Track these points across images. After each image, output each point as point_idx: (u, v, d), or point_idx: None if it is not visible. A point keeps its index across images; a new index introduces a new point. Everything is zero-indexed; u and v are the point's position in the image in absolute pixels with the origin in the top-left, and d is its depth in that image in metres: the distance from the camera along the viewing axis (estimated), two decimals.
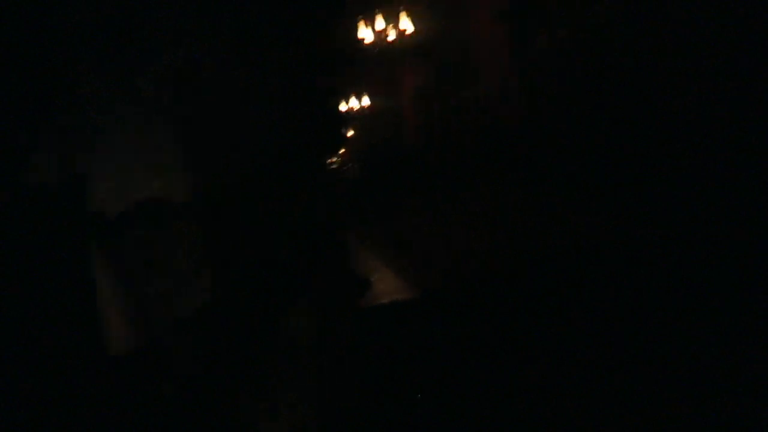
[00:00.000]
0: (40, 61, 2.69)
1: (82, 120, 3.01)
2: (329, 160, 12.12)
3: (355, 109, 11.45)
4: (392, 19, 6.64)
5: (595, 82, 4.51)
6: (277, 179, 3.55)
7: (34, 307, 2.33)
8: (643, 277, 3.75)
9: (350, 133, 14.70)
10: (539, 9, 5.24)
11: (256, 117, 3.53)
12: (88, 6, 2.84)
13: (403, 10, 6.57)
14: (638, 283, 3.72)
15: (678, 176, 3.72)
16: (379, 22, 6.54)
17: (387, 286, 5.47)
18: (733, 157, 3.30)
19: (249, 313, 2.63)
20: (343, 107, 11.19)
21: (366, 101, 11.37)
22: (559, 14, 4.95)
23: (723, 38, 3.20)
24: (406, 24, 6.57)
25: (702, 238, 3.55)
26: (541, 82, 5.57)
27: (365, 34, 6.60)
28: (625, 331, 3.23)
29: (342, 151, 14.03)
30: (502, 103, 6.41)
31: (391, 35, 6.69)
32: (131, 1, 2.99)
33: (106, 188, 2.94)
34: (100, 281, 2.59)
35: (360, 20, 6.67)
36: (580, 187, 4.92)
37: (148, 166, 3.12)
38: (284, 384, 2.80)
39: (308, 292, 3.00)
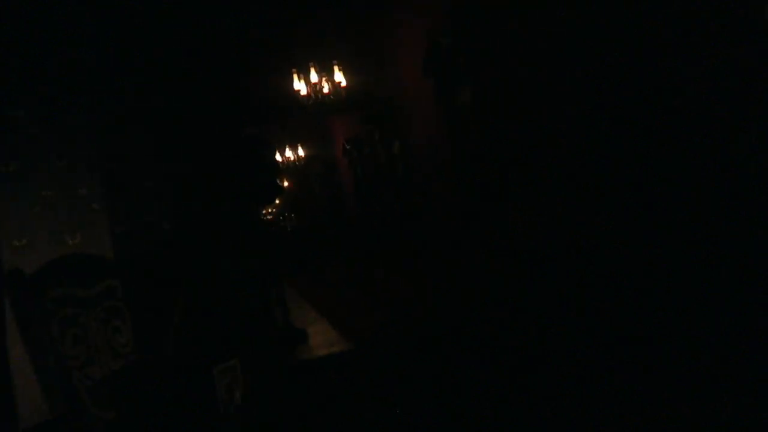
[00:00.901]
0: None
1: None
2: (264, 211, 11.99)
3: (290, 160, 11.47)
4: (326, 72, 6.78)
5: (513, 132, 4.75)
6: (209, 232, 3.47)
7: None
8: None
9: (285, 184, 14.67)
10: (459, 68, 5.51)
11: (186, 168, 3.47)
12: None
13: (336, 63, 6.73)
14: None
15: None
16: (313, 75, 6.66)
17: (324, 338, 5.39)
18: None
19: (174, 373, 2.50)
20: (278, 158, 11.21)
21: (300, 152, 11.42)
22: (477, 73, 5.23)
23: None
24: (340, 77, 6.72)
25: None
26: (464, 134, 5.81)
27: (300, 86, 6.69)
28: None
29: (277, 201, 13.94)
30: (430, 153, 6.62)
31: (326, 87, 6.81)
32: (60, 52, 2.92)
33: (20, 243, 2.79)
34: (13, 345, 2.41)
35: (294, 73, 6.76)
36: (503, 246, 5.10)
37: (68, 220, 2.99)
38: None
39: (238, 348, 2.90)
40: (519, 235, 4.97)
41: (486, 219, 5.52)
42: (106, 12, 2.95)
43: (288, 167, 11.75)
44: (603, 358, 3.22)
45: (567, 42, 3.94)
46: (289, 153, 11.48)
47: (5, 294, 2.50)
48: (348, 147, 10.45)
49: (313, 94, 6.79)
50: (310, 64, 6.60)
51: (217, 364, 2.69)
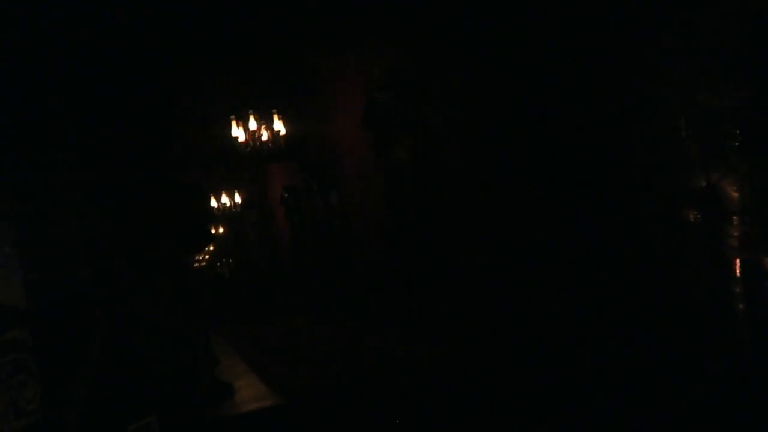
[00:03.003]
0: None
1: None
2: (196, 258, 11.60)
3: (225, 206, 11.25)
4: (265, 120, 6.77)
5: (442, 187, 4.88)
6: (130, 280, 3.30)
7: None
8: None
9: (221, 230, 14.33)
10: (395, 123, 5.64)
11: (109, 214, 3.32)
12: None
13: (275, 112, 6.74)
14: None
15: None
16: (252, 123, 6.63)
17: (252, 392, 5.17)
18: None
19: (86, 427, 2.31)
20: (213, 204, 10.96)
21: (237, 198, 11.24)
22: (413, 129, 5.38)
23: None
24: (279, 125, 6.72)
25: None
26: (399, 188, 5.90)
27: (238, 133, 6.63)
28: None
29: (210, 248, 13.54)
30: (367, 205, 6.67)
31: (264, 135, 6.78)
32: None
33: None
34: None
35: (233, 120, 6.72)
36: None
37: None
38: None
39: (157, 404, 2.73)
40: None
41: (415, 274, 5.58)
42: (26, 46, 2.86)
43: (223, 214, 11.50)
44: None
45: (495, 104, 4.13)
46: (225, 199, 11.27)
47: None
48: (286, 195, 10.38)
49: (251, 142, 6.74)
50: (249, 111, 6.58)
51: (131, 422, 2.51)
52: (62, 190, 2.91)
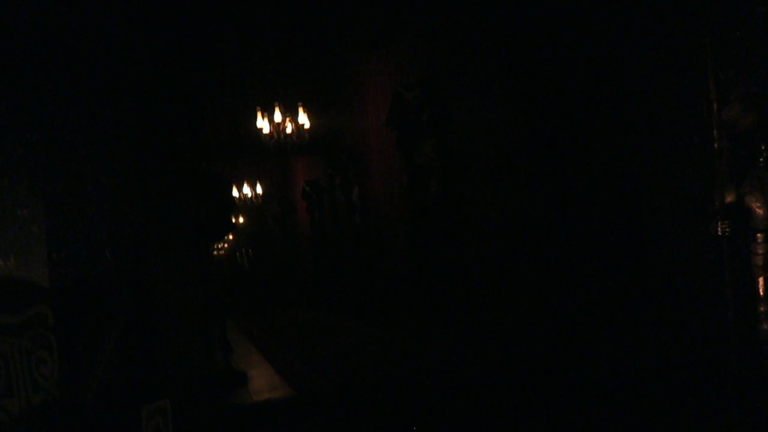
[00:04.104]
0: None
1: None
2: (216, 246, 11.73)
3: (247, 197, 11.35)
4: (291, 113, 6.82)
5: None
6: (153, 264, 3.36)
7: None
8: None
9: (241, 220, 14.47)
10: (422, 122, 5.62)
11: (135, 198, 3.38)
12: None
13: (301, 105, 6.78)
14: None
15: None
16: (277, 115, 6.68)
17: (265, 382, 5.21)
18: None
19: (99, 411, 2.36)
20: (235, 194, 11.07)
21: (259, 189, 11.33)
22: (440, 129, 5.35)
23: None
24: (303, 119, 6.76)
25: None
26: (423, 187, 5.88)
27: (263, 124, 6.69)
28: None
29: (230, 237, 13.68)
30: (389, 203, 6.67)
31: (289, 128, 6.83)
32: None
33: None
34: None
35: (258, 111, 6.77)
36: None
37: (2, 242, 2.85)
38: None
39: (172, 388, 2.77)
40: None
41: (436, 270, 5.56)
42: (60, 31, 2.91)
43: (245, 204, 11.61)
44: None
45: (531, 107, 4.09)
46: (247, 190, 11.37)
47: None
48: (308, 189, 10.44)
49: (275, 134, 6.79)
50: (275, 103, 6.63)
51: (146, 403, 2.55)
52: (92, 172, 2.96)
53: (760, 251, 2.24)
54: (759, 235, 2.24)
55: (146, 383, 2.62)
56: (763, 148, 2.17)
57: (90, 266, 3.06)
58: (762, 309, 2.28)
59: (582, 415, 3.01)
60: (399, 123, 6.09)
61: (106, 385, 2.42)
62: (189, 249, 3.55)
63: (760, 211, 2.22)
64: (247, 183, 11.35)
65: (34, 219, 2.91)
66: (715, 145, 2.29)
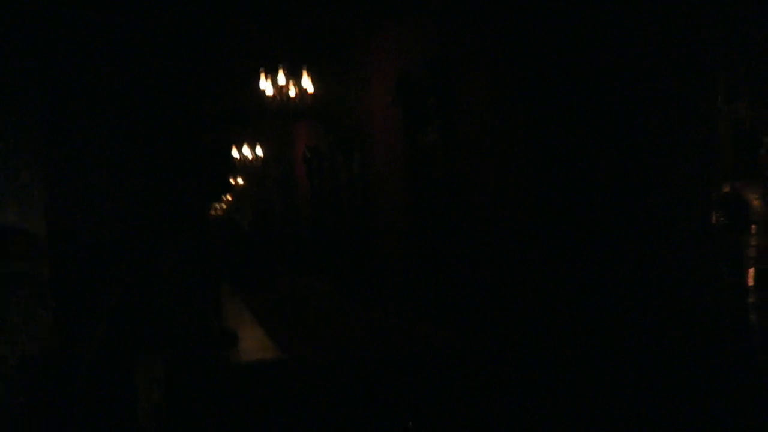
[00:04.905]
0: None
1: None
2: (213, 205, 11.69)
3: (247, 158, 11.29)
4: (294, 76, 6.73)
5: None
6: (150, 221, 3.37)
7: None
8: None
9: (240, 181, 14.40)
10: (428, 104, 5.52)
11: (132, 155, 3.37)
12: None
13: (305, 69, 6.69)
14: None
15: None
16: (281, 77, 6.59)
17: (256, 344, 5.29)
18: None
19: (92, 365, 2.39)
20: (234, 154, 11.00)
21: (259, 152, 11.26)
22: (446, 111, 5.25)
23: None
24: (307, 83, 6.67)
25: None
26: (426, 167, 5.81)
27: (266, 86, 6.61)
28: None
29: (228, 198, 13.64)
30: (389, 179, 6.62)
31: (292, 91, 6.75)
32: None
33: None
34: None
35: (262, 72, 6.68)
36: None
37: (6, 193, 2.86)
38: None
39: (164, 346, 2.81)
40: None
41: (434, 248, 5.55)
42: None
43: (245, 166, 11.56)
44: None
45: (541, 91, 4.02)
46: (247, 151, 11.30)
47: None
48: (308, 155, 10.38)
49: (278, 96, 6.72)
50: (279, 65, 6.54)
51: (139, 358, 2.59)
52: (95, 137, 2.96)
53: (753, 243, 2.26)
54: (753, 226, 2.25)
55: (139, 339, 2.65)
56: (766, 141, 2.17)
57: (89, 225, 3.07)
58: (752, 300, 2.30)
59: (573, 406, 3.05)
60: (404, 102, 5.99)
61: (104, 341, 2.45)
62: (187, 209, 3.56)
63: (756, 203, 2.23)
64: (248, 144, 11.28)
65: (36, 172, 2.91)
66: (720, 138, 2.30)
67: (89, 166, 3.15)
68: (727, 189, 2.28)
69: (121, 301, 2.62)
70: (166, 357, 2.55)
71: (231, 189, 10.95)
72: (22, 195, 2.92)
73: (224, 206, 14.24)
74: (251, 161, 11.42)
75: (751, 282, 2.29)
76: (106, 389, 2.39)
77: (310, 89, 6.77)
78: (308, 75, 6.67)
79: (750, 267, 2.28)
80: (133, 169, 3.20)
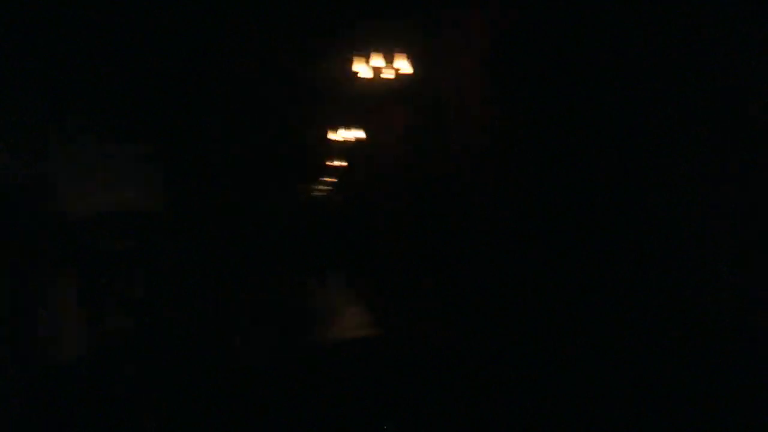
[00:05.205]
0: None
1: (52, 117, 3.01)
2: (312, 187, 12.14)
3: (344, 140, 11.52)
4: (389, 58, 6.76)
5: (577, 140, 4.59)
6: (254, 202, 3.54)
7: None
8: None
9: (338, 164, 14.74)
10: (522, 65, 5.35)
11: (239, 139, 3.54)
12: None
13: (401, 51, 6.70)
14: None
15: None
16: (376, 60, 6.65)
17: (355, 321, 5.42)
18: None
19: (205, 335, 2.58)
20: (333, 137, 11.26)
21: (358, 134, 11.45)
22: (544, 80, 5.05)
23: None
24: (402, 64, 6.68)
25: None
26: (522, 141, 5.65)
27: (360, 69, 6.70)
28: None
29: (327, 179, 14.03)
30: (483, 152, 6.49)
31: (387, 74, 6.79)
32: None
33: (74, 192, 2.92)
34: (59, 287, 2.54)
35: (357, 56, 6.78)
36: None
37: (123, 174, 3.10)
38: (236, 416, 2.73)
39: (270, 321, 2.96)
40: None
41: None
42: None
43: (343, 148, 11.79)
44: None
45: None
46: (344, 133, 11.51)
47: (52, 239, 2.63)
48: (404, 135, 10.40)
49: (373, 78, 6.79)
50: (373, 48, 6.59)
51: (238, 334, 2.75)
52: (200, 117, 3.13)
53: None
54: None
55: (238, 316, 2.81)
56: None
57: (197, 204, 3.28)
58: None
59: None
60: (499, 72, 5.85)
61: (202, 316, 2.63)
62: (286, 191, 3.70)
63: None
64: (345, 127, 11.48)
65: (150, 159, 3.15)
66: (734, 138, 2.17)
67: (203, 153, 3.35)
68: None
69: (219, 279, 2.79)
70: (264, 333, 2.69)
71: (333, 169, 11.19)
72: (140, 177, 3.15)
73: (324, 188, 14.63)
74: (350, 143, 11.62)
75: None
76: (204, 357, 2.57)
77: (406, 70, 6.77)
78: (403, 56, 6.68)
79: None
80: (240, 152, 3.36)
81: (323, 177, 13.54)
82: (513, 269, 5.05)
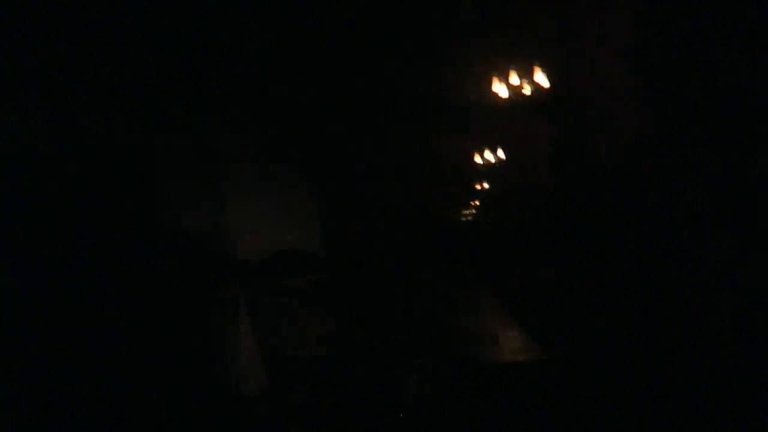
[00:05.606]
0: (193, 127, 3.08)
1: (235, 177, 3.36)
2: (462, 212, 12.20)
3: (489, 162, 11.43)
4: (527, 73, 6.65)
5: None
6: (409, 234, 3.66)
7: (172, 340, 2.60)
8: None
9: (486, 186, 14.65)
10: (674, 64, 4.96)
11: (389, 173, 3.70)
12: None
13: (538, 65, 6.56)
14: None
15: None
16: (514, 78, 6.58)
17: (516, 344, 5.29)
18: None
19: (368, 364, 2.70)
20: (478, 160, 11.22)
21: (500, 154, 11.31)
22: (700, 67, 4.64)
23: None
24: (541, 78, 6.53)
25: None
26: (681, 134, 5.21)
27: (499, 89, 6.66)
28: None
29: (476, 202, 14.00)
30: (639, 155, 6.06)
31: (526, 89, 6.68)
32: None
33: (250, 240, 3.24)
34: (237, 325, 2.82)
35: (494, 76, 6.76)
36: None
37: (287, 219, 3.37)
38: None
39: (428, 347, 3.03)
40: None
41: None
42: None
43: (487, 169, 11.70)
44: None
45: None
46: (488, 155, 11.43)
47: (237, 279, 2.94)
48: (551, 150, 10.08)
49: (513, 97, 6.71)
50: (511, 66, 6.53)
51: (408, 361, 2.84)
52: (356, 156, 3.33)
53: None
54: None
55: (407, 343, 2.91)
56: None
57: (360, 240, 3.48)
58: None
59: None
60: (648, 66, 5.49)
61: (375, 343, 2.76)
62: (435, 217, 3.78)
63: None
64: (488, 148, 11.41)
65: (312, 199, 3.41)
66: None
67: (362, 191, 3.54)
68: None
69: (385, 308, 2.91)
70: (430, 359, 2.75)
71: (479, 193, 11.18)
72: (303, 222, 3.41)
73: (473, 210, 14.61)
74: (493, 164, 11.50)
75: None
76: (380, 383, 2.68)
77: (545, 84, 6.61)
78: (541, 70, 6.53)
79: None
80: (394, 186, 3.51)
81: (473, 198, 13.54)
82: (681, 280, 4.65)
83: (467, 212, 14.06)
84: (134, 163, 2.93)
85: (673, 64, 5.00)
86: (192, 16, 2.99)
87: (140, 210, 2.84)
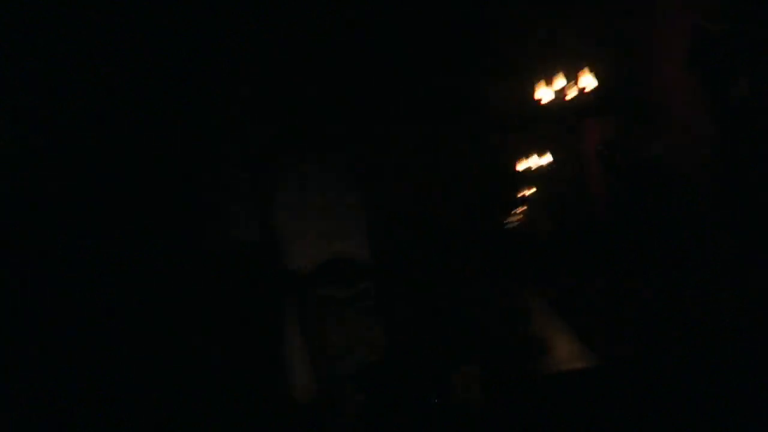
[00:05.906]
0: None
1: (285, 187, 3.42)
2: (507, 219, 12.08)
3: (535, 167, 11.26)
4: (572, 75, 6.54)
5: None
6: (454, 240, 3.66)
7: (226, 351, 2.67)
8: None
9: (533, 191, 14.44)
10: (734, 56, 4.77)
11: (435, 179, 3.71)
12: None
13: (585, 66, 6.44)
14: None
15: None
16: (559, 82, 6.48)
17: (567, 351, 5.18)
18: None
19: (418, 373, 2.71)
20: (522, 166, 11.08)
21: (547, 159, 11.14)
22: (757, 60, 4.45)
23: None
24: (588, 81, 6.41)
25: None
26: (740, 133, 5.00)
27: (543, 93, 6.58)
28: None
29: (521, 209, 13.83)
30: (694, 155, 5.85)
31: (571, 93, 6.57)
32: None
33: (299, 249, 3.30)
34: (288, 333, 2.87)
35: (539, 79, 6.68)
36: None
37: (333, 228, 3.41)
38: None
39: (478, 355, 3.01)
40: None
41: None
42: None
43: (535, 174, 11.54)
44: None
45: None
46: (536, 159, 11.27)
47: (286, 290, 3.00)
48: (602, 151, 9.84)
49: (559, 100, 6.62)
50: (556, 69, 6.44)
51: (456, 369, 2.83)
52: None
53: None
54: None
55: (455, 350, 2.90)
56: None
57: (404, 244, 3.49)
58: None
59: None
60: (703, 62, 5.30)
61: (421, 351, 2.77)
62: (486, 222, 3.76)
63: None
64: (536, 153, 11.25)
65: (357, 207, 3.44)
66: None
67: (402, 200, 3.56)
68: None
69: (434, 314, 2.91)
70: (480, 366, 2.74)
71: (524, 199, 11.07)
72: (348, 230, 3.44)
73: (520, 216, 14.42)
74: (542, 168, 11.34)
75: None
76: (428, 390, 2.68)
77: (592, 85, 6.48)
78: (587, 72, 6.42)
79: None
80: (440, 193, 3.52)
81: (522, 203, 13.38)
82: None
83: (516, 218, 13.88)
84: (180, 172, 2.97)
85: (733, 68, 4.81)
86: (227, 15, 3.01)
87: (189, 220, 2.91)
